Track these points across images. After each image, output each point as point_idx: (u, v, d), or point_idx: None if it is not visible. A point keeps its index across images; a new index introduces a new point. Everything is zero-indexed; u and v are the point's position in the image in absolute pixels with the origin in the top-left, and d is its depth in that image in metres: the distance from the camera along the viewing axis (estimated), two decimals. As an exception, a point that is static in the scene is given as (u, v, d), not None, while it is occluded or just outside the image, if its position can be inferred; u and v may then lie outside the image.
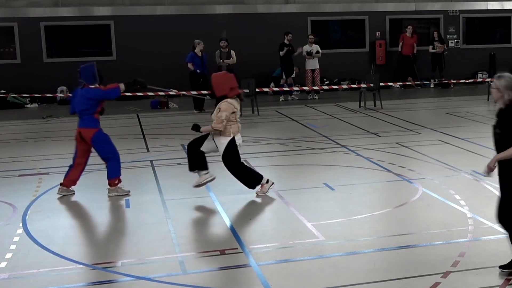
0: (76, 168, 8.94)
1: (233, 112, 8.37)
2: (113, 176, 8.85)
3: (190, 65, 17.20)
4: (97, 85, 8.74)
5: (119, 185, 8.88)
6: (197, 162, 8.60)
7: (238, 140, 8.52)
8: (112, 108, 18.12)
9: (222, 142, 8.40)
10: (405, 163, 10.27)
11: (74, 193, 8.92)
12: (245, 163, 8.82)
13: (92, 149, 8.98)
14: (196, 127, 8.56)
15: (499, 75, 5.60)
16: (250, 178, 8.58)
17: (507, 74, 5.57)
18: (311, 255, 6.42)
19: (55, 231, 7.42)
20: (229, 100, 8.39)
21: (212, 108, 18.43)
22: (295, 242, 6.76)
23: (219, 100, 8.42)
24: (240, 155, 8.62)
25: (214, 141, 8.49)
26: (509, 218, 5.58)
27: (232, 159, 8.48)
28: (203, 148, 8.56)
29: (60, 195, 8.83)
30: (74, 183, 8.97)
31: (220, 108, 8.32)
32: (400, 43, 21.61)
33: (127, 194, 8.84)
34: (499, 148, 5.51)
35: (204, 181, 8.66)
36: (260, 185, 8.61)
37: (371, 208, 7.94)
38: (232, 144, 8.40)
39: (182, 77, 18.04)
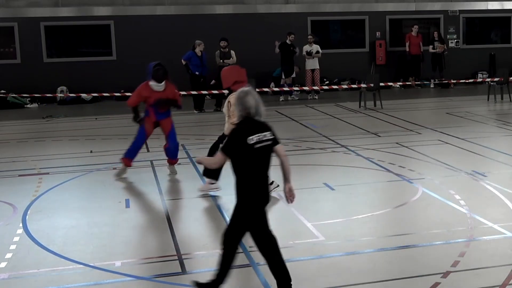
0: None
1: None
2: (125, 154, 9.94)
3: (183, 61, 17.26)
4: (153, 82, 9.84)
5: (127, 167, 9.91)
6: (211, 169, 8.58)
7: None
8: (112, 108, 18.17)
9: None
10: (405, 163, 10.27)
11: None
12: None
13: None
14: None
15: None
16: None
17: (243, 89, 5.32)
18: (311, 255, 6.42)
19: (55, 231, 7.42)
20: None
21: (211, 107, 18.49)
22: (295, 242, 6.76)
23: (229, 93, 8.48)
24: None
25: None
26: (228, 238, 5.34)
27: None
28: None
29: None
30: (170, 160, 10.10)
31: (229, 102, 8.31)
32: (407, 43, 21.61)
33: (124, 172, 9.90)
34: None
35: (209, 190, 8.64)
36: None
37: (371, 208, 7.94)
38: None
39: (182, 77, 18.04)
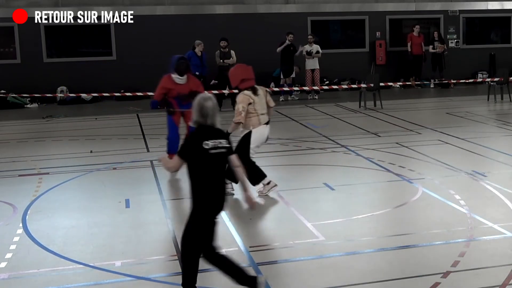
0: None
1: (250, 104, 8.37)
2: (167, 152, 10.06)
3: None
4: (175, 74, 10.14)
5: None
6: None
7: (261, 132, 8.47)
8: (112, 108, 18.17)
9: (242, 134, 8.54)
10: (405, 163, 10.27)
11: None
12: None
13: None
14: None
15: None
16: (254, 174, 8.55)
17: (203, 96, 5.29)
18: (311, 255, 6.42)
19: (55, 231, 7.42)
20: (245, 92, 8.44)
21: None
22: (295, 242, 6.76)
23: (239, 93, 8.56)
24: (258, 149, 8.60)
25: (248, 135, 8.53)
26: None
27: (240, 152, 8.49)
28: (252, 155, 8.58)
29: None
30: None
31: (236, 101, 8.42)
32: (409, 43, 21.60)
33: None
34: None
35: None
36: (262, 185, 8.60)
37: (371, 208, 7.94)
38: (247, 137, 8.44)
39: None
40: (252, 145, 8.48)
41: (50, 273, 6.10)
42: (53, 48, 20.59)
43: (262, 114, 8.49)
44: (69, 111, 18.01)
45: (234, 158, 5.36)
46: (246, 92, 8.42)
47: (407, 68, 21.90)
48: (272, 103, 8.76)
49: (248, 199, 5.43)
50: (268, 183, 8.59)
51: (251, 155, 8.54)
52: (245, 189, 5.48)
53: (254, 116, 8.41)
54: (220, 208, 5.28)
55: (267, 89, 9.07)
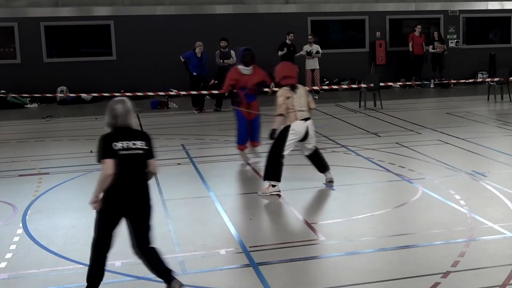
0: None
1: (288, 97, 8.54)
2: (237, 142, 10.66)
3: (181, 58, 17.33)
4: (242, 65, 10.53)
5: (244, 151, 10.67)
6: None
7: (298, 127, 8.58)
8: (112, 108, 18.15)
9: (280, 128, 8.69)
10: (405, 163, 10.27)
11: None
12: (283, 160, 8.73)
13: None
14: (271, 133, 8.71)
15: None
16: (272, 171, 8.58)
17: (115, 99, 5.27)
18: (311, 255, 6.42)
19: (55, 231, 7.42)
20: (284, 87, 8.67)
21: (211, 107, 18.50)
22: (295, 242, 6.76)
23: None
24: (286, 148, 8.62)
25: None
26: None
27: (275, 144, 8.63)
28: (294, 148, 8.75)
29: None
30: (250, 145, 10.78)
31: (276, 95, 8.70)
32: (410, 43, 21.60)
33: (246, 157, 10.60)
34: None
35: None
36: (268, 184, 8.59)
37: (371, 208, 7.94)
38: (284, 132, 8.56)
39: (182, 77, 18.06)
40: (288, 139, 8.57)
41: (50, 273, 6.10)
42: (53, 48, 20.60)
43: (300, 110, 8.63)
44: (69, 111, 18.02)
45: (152, 163, 5.30)
46: (284, 87, 8.67)
47: (408, 68, 21.91)
48: (313, 105, 8.93)
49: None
50: (274, 186, 8.58)
51: (284, 151, 8.58)
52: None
53: (291, 112, 8.58)
54: (124, 210, 5.27)
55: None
